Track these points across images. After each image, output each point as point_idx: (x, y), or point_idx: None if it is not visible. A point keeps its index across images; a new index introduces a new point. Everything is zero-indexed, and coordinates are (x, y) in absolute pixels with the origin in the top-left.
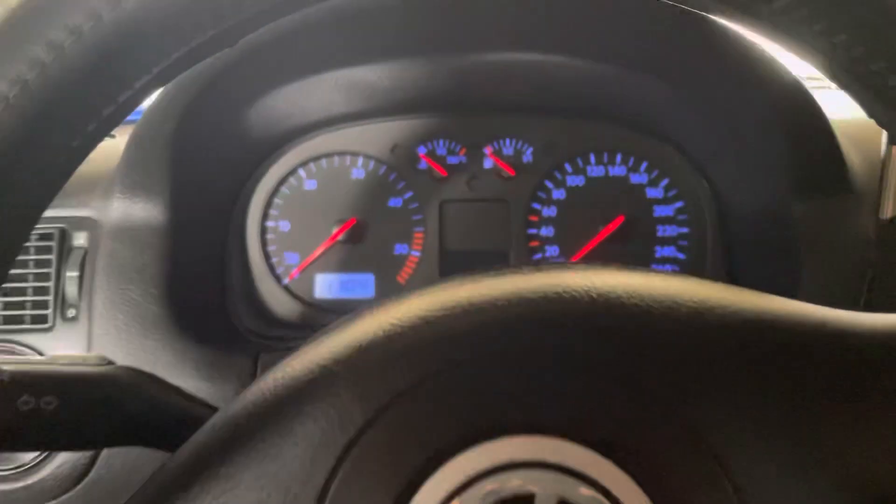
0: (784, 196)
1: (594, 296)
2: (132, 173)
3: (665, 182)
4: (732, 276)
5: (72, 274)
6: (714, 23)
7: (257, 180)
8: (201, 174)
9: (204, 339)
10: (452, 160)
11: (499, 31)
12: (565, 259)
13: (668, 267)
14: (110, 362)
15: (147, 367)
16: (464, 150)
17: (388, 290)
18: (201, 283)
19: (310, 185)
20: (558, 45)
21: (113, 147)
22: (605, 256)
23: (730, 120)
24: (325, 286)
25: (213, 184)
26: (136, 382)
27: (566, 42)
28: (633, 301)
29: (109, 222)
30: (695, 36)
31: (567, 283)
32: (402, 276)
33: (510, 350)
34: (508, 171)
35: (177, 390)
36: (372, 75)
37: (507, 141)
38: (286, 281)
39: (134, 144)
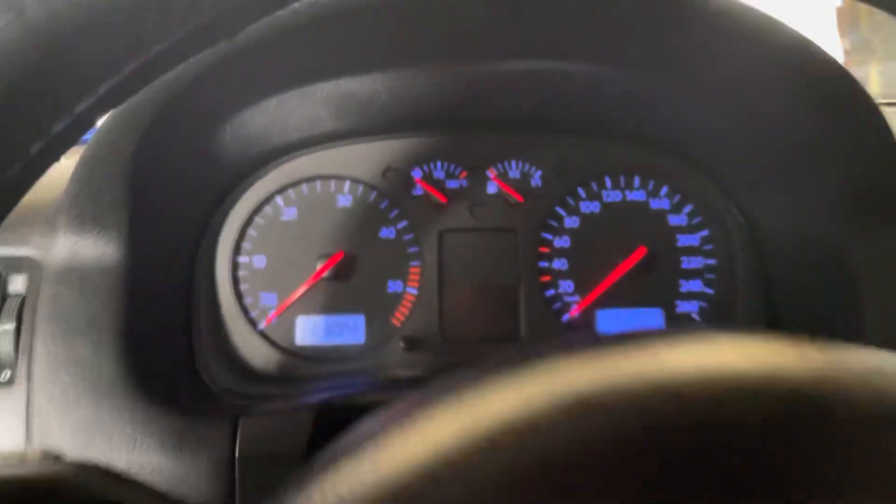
0: (837, 224)
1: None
2: (81, 203)
3: (689, 208)
4: (771, 315)
5: (6, 326)
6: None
7: (228, 209)
8: (164, 203)
9: (170, 402)
10: (452, 184)
11: (507, 37)
12: (579, 297)
13: (694, 304)
14: (57, 457)
15: (101, 441)
16: (465, 174)
17: (381, 334)
18: (165, 333)
19: (289, 213)
20: (573, 51)
21: (58, 172)
22: (625, 292)
23: (770, 138)
24: (307, 331)
25: (178, 214)
26: (91, 484)
27: (582, 47)
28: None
29: (53, 263)
30: (732, 37)
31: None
32: (398, 318)
33: None
34: (515, 197)
35: (146, 491)
36: (367, 88)
37: (514, 163)
38: (262, 325)
39: (84, 168)
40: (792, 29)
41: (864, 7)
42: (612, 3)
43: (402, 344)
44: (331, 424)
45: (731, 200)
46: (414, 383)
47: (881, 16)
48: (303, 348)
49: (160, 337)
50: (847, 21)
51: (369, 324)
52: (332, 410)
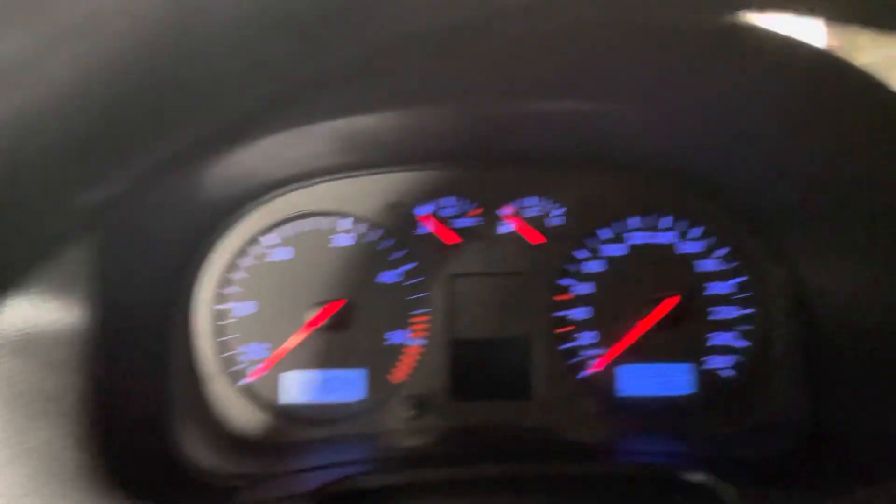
0: None
1: None
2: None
3: (723, 252)
4: (813, 385)
5: None
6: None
7: (209, 250)
8: (135, 252)
9: (145, 494)
10: (463, 223)
11: (529, 77)
12: (598, 351)
13: (724, 358)
14: None
15: None
16: (478, 211)
17: (382, 391)
18: (138, 408)
19: (279, 255)
20: (601, 91)
21: None
22: (648, 347)
23: (826, 177)
24: (298, 387)
25: (151, 263)
26: None
27: (609, 87)
28: None
29: (5, 332)
30: (773, 70)
31: None
32: (398, 374)
33: None
34: (534, 237)
35: None
36: (376, 124)
37: (532, 200)
38: (246, 380)
39: None
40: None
41: None
42: (636, 40)
43: (406, 406)
44: None
45: (774, 251)
46: (421, 459)
47: None
48: (293, 407)
49: (132, 413)
50: None
51: (369, 380)
52: (331, 500)
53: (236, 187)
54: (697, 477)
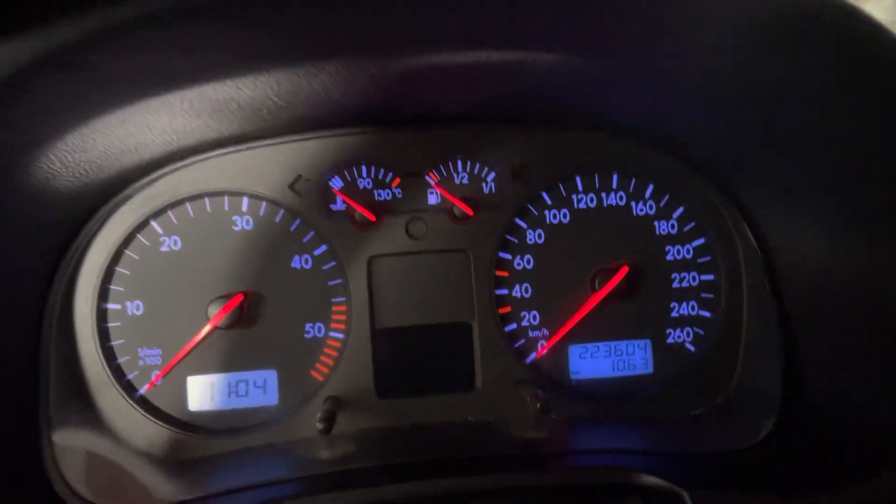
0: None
1: None
2: None
3: (680, 211)
4: (788, 348)
5: None
6: None
7: (86, 243)
8: None
9: None
10: (382, 195)
11: (450, 24)
12: (547, 331)
13: (688, 330)
14: None
15: None
16: (398, 181)
17: (300, 393)
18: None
19: (171, 244)
20: (529, 41)
21: None
22: (603, 322)
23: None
24: (203, 393)
25: (15, 256)
26: None
27: (541, 36)
28: None
29: None
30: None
31: None
32: (321, 370)
33: None
34: (464, 209)
35: None
36: (246, 93)
37: (461, 164)
38: (143, 390)
39: None
40: None
41: None
42: None
43: (326, 408)
44: None
45: (736, 206)
46: (343, 476)
47: None
48: (200, 415)
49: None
50: None
51: (284, 381)
52: None
53: (99, 175)
54: (651, 481)
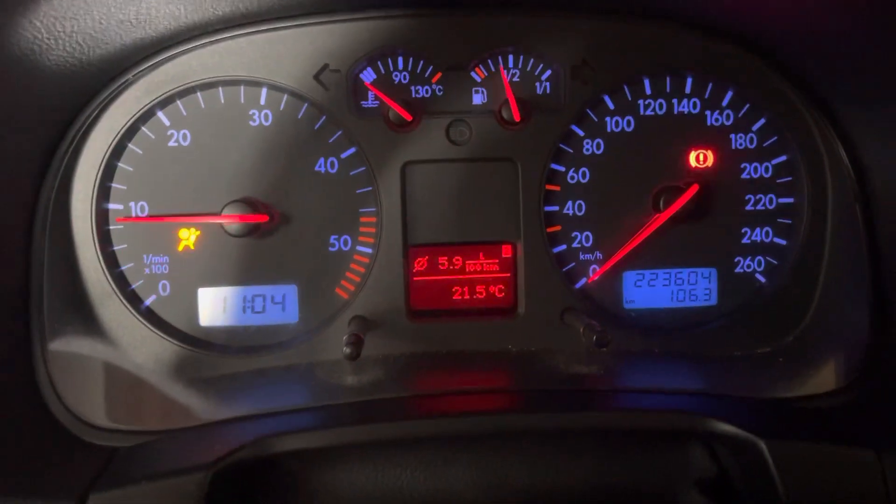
0: None
1: None
2: None
3: (761, 123)
4: (875, 288)
5: None
6: None
7: (83, 133)
8: None
9: None
10: (421, 92)
11: None
12: (600, 255)
13: (760, 259)
14: None
15: None
16: (439, 75)
17: (322, 311)
18: None
19: (179, 138)
20: None
21: None
22: (663, 247)
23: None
24: (216, 307)
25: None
26: None
27: None
28: None
29: None
30: None
31: None
32: (346, 288)
33: None
34: (514, 111)
35: None
36: None
37: (512, 59)
38: (149, 301)
39: None
40: None
41: None
42: None
43: (352, 330)
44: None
45: (829, 120)
46: (366, 406)
47: None
48: (210, 332)
49: None
50: None
51: (304, 297)
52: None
53: (111, 43)
54: (725, 428)
